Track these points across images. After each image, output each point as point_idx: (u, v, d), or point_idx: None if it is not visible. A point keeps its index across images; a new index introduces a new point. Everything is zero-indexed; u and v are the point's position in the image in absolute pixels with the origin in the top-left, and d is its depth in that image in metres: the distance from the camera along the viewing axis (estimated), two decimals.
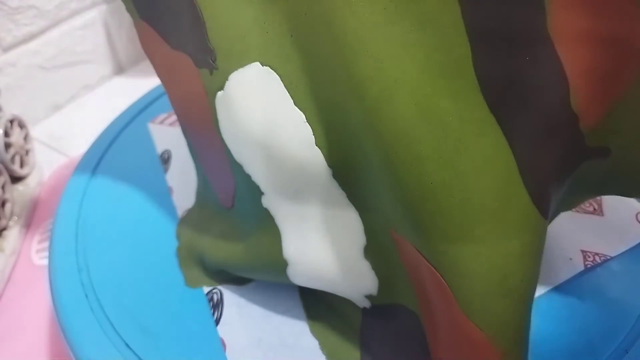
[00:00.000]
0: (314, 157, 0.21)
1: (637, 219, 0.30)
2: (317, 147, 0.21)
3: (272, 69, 0.21)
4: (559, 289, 0.26)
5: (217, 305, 0.27)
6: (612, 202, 0.31)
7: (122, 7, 0.57)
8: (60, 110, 0.56)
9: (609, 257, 0.28)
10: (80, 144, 0.50)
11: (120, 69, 0.60)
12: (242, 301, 0.27)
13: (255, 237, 0.25)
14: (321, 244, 0.23)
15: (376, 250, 0.23)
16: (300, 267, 0.24)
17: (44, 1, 0.50)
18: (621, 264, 0.28)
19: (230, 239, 0.27)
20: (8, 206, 0.40)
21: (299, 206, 0.23)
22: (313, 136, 0.21)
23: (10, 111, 0.45)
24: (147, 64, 0.62)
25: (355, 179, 0.21)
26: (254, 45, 0.22)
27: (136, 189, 0.34)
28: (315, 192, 0.22)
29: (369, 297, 0.24)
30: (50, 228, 0.32)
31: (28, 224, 0.42)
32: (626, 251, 0.28)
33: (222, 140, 0.24)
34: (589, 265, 0.27)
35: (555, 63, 0.18)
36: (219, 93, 0.23)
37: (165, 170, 0.35)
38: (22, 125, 0.46)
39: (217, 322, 0.26)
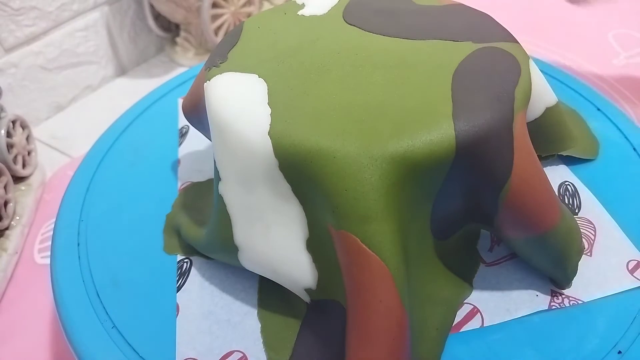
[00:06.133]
0: (264, 146, 0.23)
1: (627, 268, 0.27)
2: (268, 136, 0.23)
3: (265, 81, 0.25)
4: (519, 320, 0.25)
5: (183, 274, 0.29)
6: (605, 244, 0.29)
7: (124, 8, 0.57)
8: (62, 111, 0.56)
9: (579, 302, 0.26)
10: (82, 144, 0.50)
11: (122, 70, 0.61)
12: (205, 274, 0.29)
13: (213, 222, 0.27)
14: (266, 233, 0.24)
15: (317, 244, 0.24)
16: (248, 254, 0.25)
17: (46, 2, 0.50)
18: (590, 312, 0.25)
19: (203, 223, 0.29)
20: (10, 206, 0.40)
21: (248, 195, 0.24)
22: (269, 126, 0.23)
23: (12, 112, 0.45)
24: (148, 65, 0.62)
25: (299, 174, 0.22)
26: (264, 67, 0.26)
27: (147, 160, 0.36)
28: (264, 183, 0.24)
29: (308, 290, 0.25)
30: (52, 228, 0.32)
31: (30, 224, 0.42)
32: (601, 299, 0.26)
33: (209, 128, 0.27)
34: (554, 307, 0.26)
35: (510, 154, 0.23)
36: (205, 84, 0.26)
37: (180, 143, 0.37)
38: (24, 126, 0.46)
39: (179, 289, 0.28)
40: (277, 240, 0.24)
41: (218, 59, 0.28)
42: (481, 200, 0.24)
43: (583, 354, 0.24)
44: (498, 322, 0.25)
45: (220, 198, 0.26)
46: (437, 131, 0.22)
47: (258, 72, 0.26)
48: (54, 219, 0.32)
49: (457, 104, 0.23)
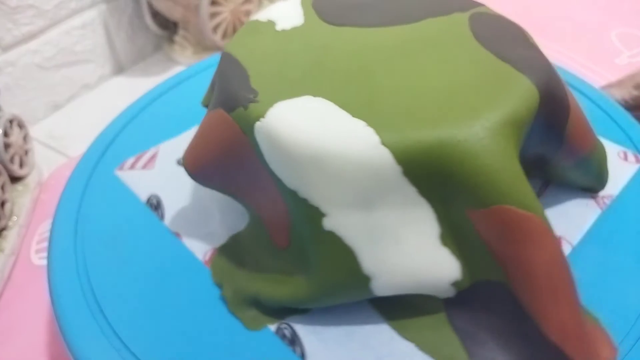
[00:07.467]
0: (382, 157, 0.22)
1: (620, 157, 0.33)
2: (383, 146, 0.22)
3: (323, 98, 0.24)
4: (590, 233, 0.29)
5: (293, 340, 0.26)
6: None
7: (122, 6, 0.57)
8: (59, 110, 0.56)
9: (613, 196, 0.31)
10: (79, 143, 0.50)
11: (119, 69, 0.60)
12: (316, 328, 0.26)
13: (321, 264, 0.24)
14: (399, 246, 0.23)
15: (450, 234, 0.24)
16: (384, 278, 0.24)
17: (43, 1, 0.50)
18: (630, 200, 0.31)
19: (288, 276, 0.26)
20: (7, 206, 0.40)
21: (368, 216, 0.23)
22: (378, 136, 0.22)
23: (9, 111, 0.45)
24: (146, 63, 0.62)
25: (425, 173, 0.22)
26: (305, 86, 0.25)
27: (137, 238, 0.31)
28: (386, 196, 0.23)
29: (455, 283, 0.24)
30: (49, 228, 0.32)
31: (27, 224, 0.41)
32: (626, 186, 0.32)
33: (270, 171, 0.24)
34: (604, 208, 0.31)
35: (565, 92, 0.26)
36: (257, 123, 0.24)
37: (161, 216, 0.32)
38: (21, 125, 0.45)
39: (303, 356, 0.25)
40: (412, 248, 0.23)
41: (248, 94, 0.25)
42: (548, 140, 0.26)
43: None
44: (579, 240, 0.29)
45: (329, 235, 0.24)
46: (519, 88, 0.24)
47: (306, 92, 0.24)
48: (51, 219, 0.32)
49: (512, 62, 0.25)
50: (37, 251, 0.40)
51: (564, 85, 0.26)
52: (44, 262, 0.38)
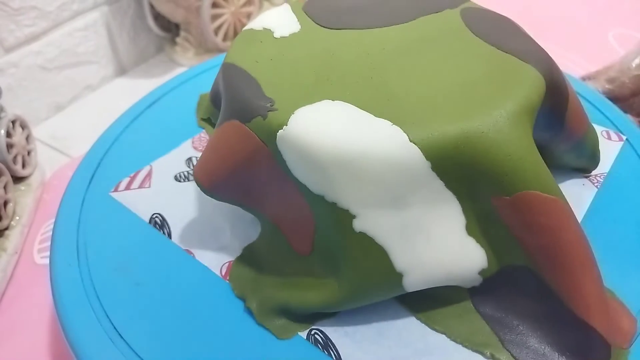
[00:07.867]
0: (411, 154, 0.22)
1: (604, 136, 0.35)
2: (412, 143, 0.22)
3: (343, 101, 0.24)
4: (591, 211, 0.31)
5: (326, 345, 0.26)
6: None
7: (124, 8, 0.57)
8: (62, 111, 0.56)
9: (605, 173, 0.33)
10: (81, 144, 0.50)
11: (122, 70, 0.61)
12: (347, 330, 0.26)
13: (354, 267, 0.24)
14: (428, 241, 0.24)
15: (476, 224, 0.24)
16: (416, 273, 0.24)
17: (46, 2, 0.50)
18: (621, 175, 0.33)
19: (316, 282, 0.26)
20: (10, 206, 0.40)
21: (398, 213, 0.23)
22: (405, 134, 0.22)
23: (12, 112, 0.45)
24: (148, 65, 0.62)
25: (452, 165, 0.23)
26: (321, 91, 0.25)
27: (146, 256, 0.30)
28: (415, 192, 0.23)
29: (482, 272, 0.25)
30: (51, 228, 0.32)
31: (30, 224, 0.42)
32: (615, 163, 0.33)
33: (293, 178, 0.25)
34: (599, 186, 0.32)
35: (564, 79, 0.27)
36: (280, 132, 0.24)
37: (168, 234, 0.31)
38: (24, 126, 0.46)
39: (340, 359, 0.25)
40: (440, 242, 0.24)
41: (265, 103, 0.25)
42: (550, 126, 0.27)
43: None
44: (582, 218, 0.30)
45: (360, 236, 0.24)
46: (528, 77, 0.24)
47: (323, 97, 0.24)
48: (54, 219, 0.32)
49: (514, 53, 0.26)
50: (40, 250, 0.40)
51: (562, 72, 0.27)
52: (47, 261, 0.39)
